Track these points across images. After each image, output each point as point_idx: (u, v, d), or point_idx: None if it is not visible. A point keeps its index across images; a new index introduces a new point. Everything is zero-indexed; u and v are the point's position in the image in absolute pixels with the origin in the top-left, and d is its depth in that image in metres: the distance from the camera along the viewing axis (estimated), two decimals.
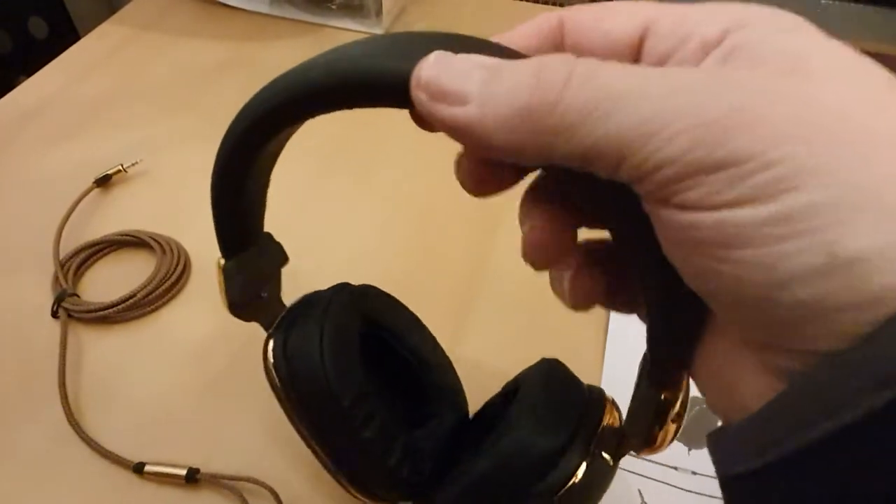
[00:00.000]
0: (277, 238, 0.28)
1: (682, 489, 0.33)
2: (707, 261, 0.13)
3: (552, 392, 0.27)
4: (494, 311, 0.42)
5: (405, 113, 0.18)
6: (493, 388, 0.31)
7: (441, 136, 0.17)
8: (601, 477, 0.25)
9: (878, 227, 0.12)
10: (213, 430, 0.36)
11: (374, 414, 0.26)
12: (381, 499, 0.27)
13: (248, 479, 0.32)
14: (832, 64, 0.14)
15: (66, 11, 0.79)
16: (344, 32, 0.65)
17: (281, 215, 0.29)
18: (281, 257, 0.28)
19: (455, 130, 0.15)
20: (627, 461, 0.30)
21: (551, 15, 0.18)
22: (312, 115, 0.20)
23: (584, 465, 0.24)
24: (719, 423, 0.17)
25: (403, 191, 0.49)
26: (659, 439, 0.22)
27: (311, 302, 0.28)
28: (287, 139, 0.24)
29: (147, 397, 0.36)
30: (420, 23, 0.67)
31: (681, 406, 0.21)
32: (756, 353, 0.15)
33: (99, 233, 0.44)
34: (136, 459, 0.33)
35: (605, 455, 0.25)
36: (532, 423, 0.25)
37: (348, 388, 0.26)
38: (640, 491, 0.32)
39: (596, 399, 0.27)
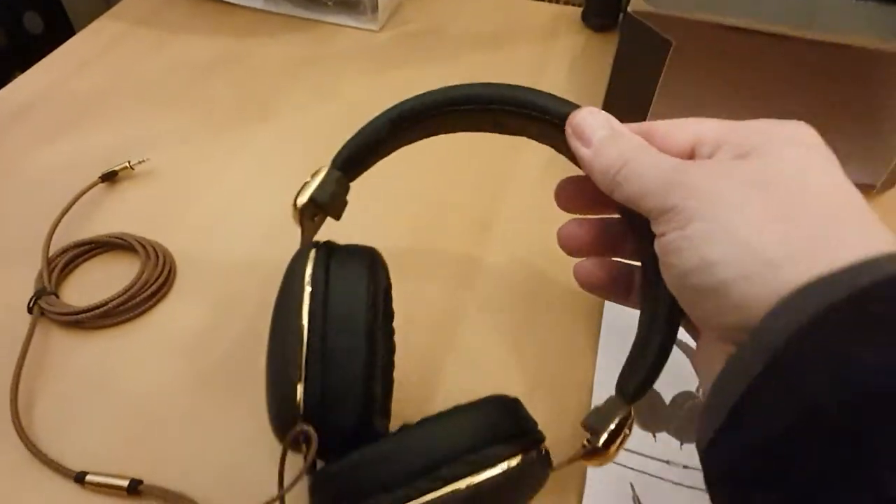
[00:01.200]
0: None
1: (673, 483, 0.33)
2: (664, 265, 0.23)
3: (491, 407, 0.27)
4: (488, 311, 0.40)
5: None
6: (484, 389, 0.29)
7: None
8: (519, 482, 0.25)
9: (729, 247, 0.20)
10: (167, 445, 0.34)
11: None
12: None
13: (188, 500, 0.30)
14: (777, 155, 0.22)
15: (61, 7, 0.79)
16: (339, 29, 0.64)
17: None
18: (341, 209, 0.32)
19: (579, 159, 0.26)
20: (621, 455, 0.31)
21: (641, 126, 0.26)
22: (493, 115, 0.31)
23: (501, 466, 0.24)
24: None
25: (398, 191, 0.47)
26: (612, 449, 0.26)
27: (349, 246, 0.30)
28: (440, 131, 0.34)
29: (104, 407, 0.35)
30: (416, 20, 0.65)
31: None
32: (717, 343, 0.22)
33: (100, 230, 0.44)
34: (83, 469, 0.31)
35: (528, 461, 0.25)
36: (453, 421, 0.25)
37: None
38: (631, 484, 0.32)
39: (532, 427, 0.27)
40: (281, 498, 0.24)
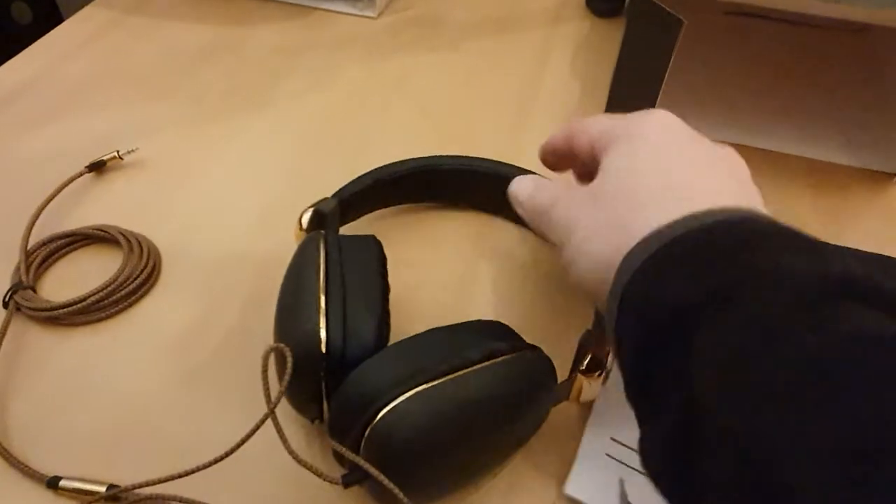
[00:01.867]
0: None
1: None
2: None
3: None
4: (484, 302, 0.38)
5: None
6: None
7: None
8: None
9: (584, 263, 0.26)
10: (150, 448, 0.32)
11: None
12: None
13: (173, 498, 0.28)
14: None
15: None
16: (336, 16, 0.62)
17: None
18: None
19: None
20: (613, 449, 0.31)
21: (566, 128, 0.32)
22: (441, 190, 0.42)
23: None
24: None
25: None
26: (575, 388, 0.30)
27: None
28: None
29: (83, 408, 0.33)
30: (415, 6, 0.63)
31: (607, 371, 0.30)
32: None
33: (86, 222, 0.42)
34: (56, 473, 0.29)
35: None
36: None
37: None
38: (621, 480, 0.31)
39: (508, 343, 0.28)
40: (272, 412, 0.25)
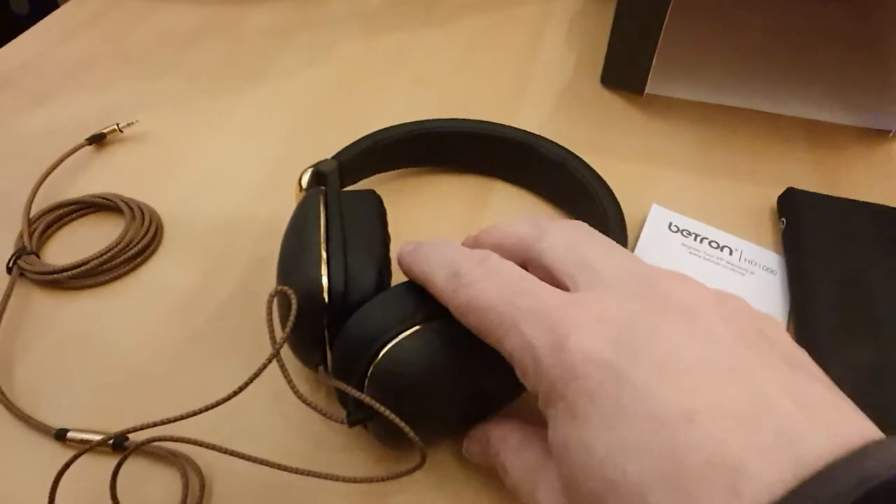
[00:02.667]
0: None
1: None
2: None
3: None
4: None
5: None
6: None
7: None
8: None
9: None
10: (153, 406, 0.33)
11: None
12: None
13: (179, 439, 0.28)
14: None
15: None
16: None
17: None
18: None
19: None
20: None
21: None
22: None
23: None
24: None
25: None
26: None
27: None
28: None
29: (87, 369, 0.33)
30: None
31: None
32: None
33: (86, 192, 0.42)
34: (65, 427, 0.29)
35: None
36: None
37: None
38: None
39: None
40: (277, 353, 0.25)
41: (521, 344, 0.20)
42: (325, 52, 0.55)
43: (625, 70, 0.49)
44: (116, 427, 0.30)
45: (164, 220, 0.41)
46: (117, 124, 0.46)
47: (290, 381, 0.25)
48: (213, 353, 0.34)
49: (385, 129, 0.39)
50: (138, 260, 0.38)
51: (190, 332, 0.35)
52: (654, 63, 0.47)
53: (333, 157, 0.37)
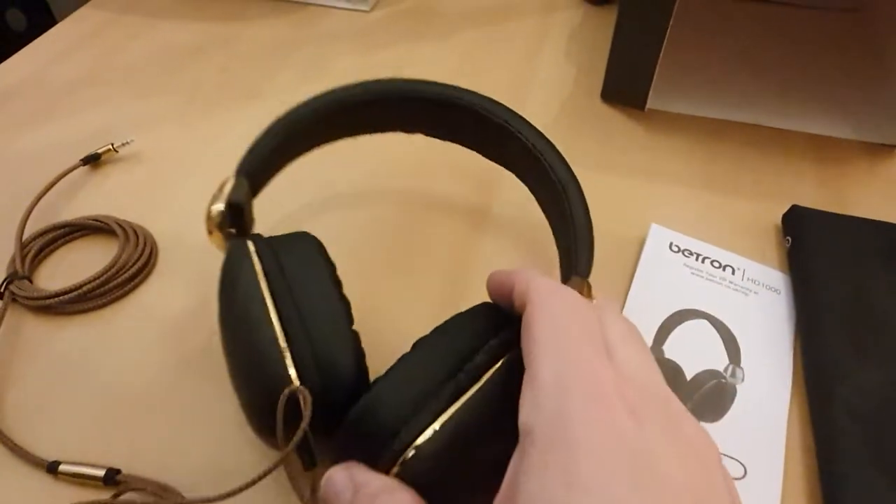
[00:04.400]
0: None
1: None
2: None
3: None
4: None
5: None
6: None
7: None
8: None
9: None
10: (146, 434, 0.32)
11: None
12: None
13: (169, 490, 0.27)
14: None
15: (44, 3, 0.77)
16: (327, 10, 0.62)
17: None
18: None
19: None
20: None
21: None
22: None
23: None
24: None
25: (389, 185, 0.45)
26: None
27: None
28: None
29: (79, 396, 0.33)
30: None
31: None
32: None
33: (81, 214, 0.41)
34: (56, 458, 0.29)
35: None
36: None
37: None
38: None
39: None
40: (286, 456, 0.23)
41: None
42: (322, 68, 0.55)
43: (625, 85, 0.49)
44: (109, 455, 0.30)
45: (159, 241, 0.40)
46: (112, 144, 0.45)
47: (298, 491, 0.24)
48: (207, 378, 0.33)
49: (287, 114, 0.35)
50: (132, 284, 0.37)
51: (184, 356, 0.34)
52: (655, 78, 0.46)
53: (239, 173, 0.32)
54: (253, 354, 0.24)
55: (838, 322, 0.34)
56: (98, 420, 0.32)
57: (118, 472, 0.28)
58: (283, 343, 0.23)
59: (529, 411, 0.19)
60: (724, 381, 0.33)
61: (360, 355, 0.24)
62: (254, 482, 0.23)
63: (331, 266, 0.26)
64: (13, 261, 0.37)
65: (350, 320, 0.25)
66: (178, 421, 0.31)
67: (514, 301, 0.23)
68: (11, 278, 0.36)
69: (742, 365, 0.34)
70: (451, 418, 0.21)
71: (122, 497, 0.28)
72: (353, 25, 0.60)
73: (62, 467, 0.29)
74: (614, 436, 0.18)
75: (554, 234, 0.34)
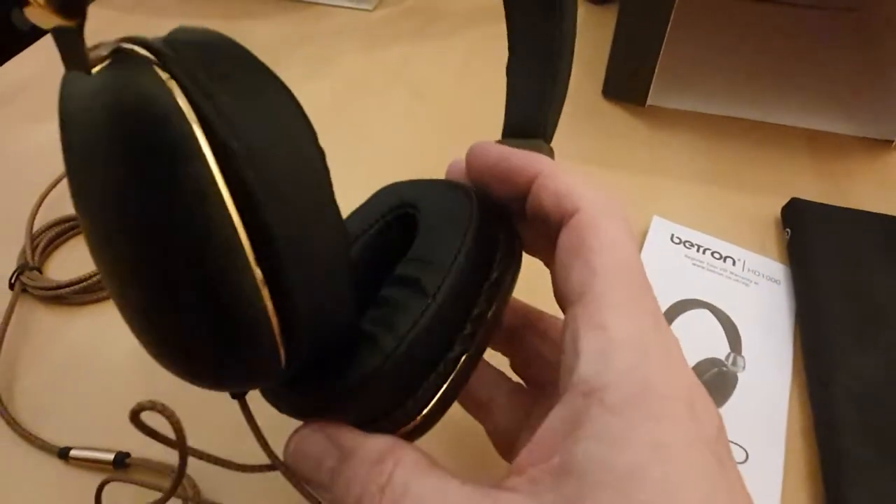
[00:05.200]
0: None
1: None
2: None
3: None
4: None
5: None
6: None
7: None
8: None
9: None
10: (155, 419, 0.31)
11: None
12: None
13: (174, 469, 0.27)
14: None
15: None
16: (332, 9, 0.62)
17: None
18: None
19: None
20: None
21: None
22: None
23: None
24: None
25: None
26: None
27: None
28: None
29: (89, 384, 0.33)
30: None
31: None
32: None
33: None
34: (67, 445, 0.29)
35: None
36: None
37: None
38: None
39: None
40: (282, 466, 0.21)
41: None
42: (325, 67, 0.55)
43: (626, 81, 0.49)
44: (120, 442, 0.30)
45: None
46: None
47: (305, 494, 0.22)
48: (180, 385, 0.33)
49: None
50: None
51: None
52: (656, 74, 0.47)
53: None
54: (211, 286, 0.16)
55: (837, 311, 0.34)
56: (107, 408, 0.32)
57: (127, 455, 0.29)
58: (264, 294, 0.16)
59: (597, 367, 0.16)
60: (725, 369, 0.34)
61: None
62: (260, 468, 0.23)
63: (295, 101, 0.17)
64: (24, 252, 0.38)
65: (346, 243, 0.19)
66: (186, 407, 0.32)
67: (540, 199, 0.20)
68: (22, 269, 0.36)
69: (743, 353, 0.34)
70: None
71: (133, 476, 0.28)
72: (356, 24, 0.60)
73: (73, 452, 0.29)
74: (690, 413, 0.16)
75: (509, 69, 0.26)
